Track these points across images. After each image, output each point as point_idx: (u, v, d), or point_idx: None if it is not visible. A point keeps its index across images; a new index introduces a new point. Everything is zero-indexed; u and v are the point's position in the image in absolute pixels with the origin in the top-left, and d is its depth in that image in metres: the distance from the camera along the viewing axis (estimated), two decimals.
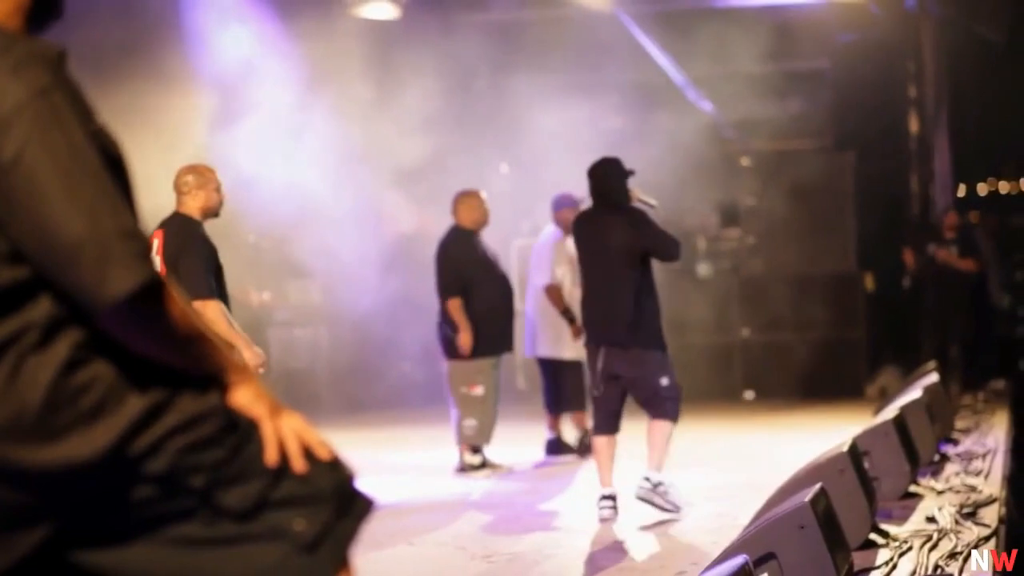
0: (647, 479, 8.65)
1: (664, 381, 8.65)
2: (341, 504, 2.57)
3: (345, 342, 16.73)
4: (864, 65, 18.53)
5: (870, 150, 18.68)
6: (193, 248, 7.99)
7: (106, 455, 2.39)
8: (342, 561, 2.57)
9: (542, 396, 12.04)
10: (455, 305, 11.04)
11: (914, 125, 18.81)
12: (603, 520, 8.70)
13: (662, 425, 8.69)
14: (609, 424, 8.83)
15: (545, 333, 11.87)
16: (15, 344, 2.40)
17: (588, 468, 11.31)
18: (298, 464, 2.55)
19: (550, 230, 11.99)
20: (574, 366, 11.69)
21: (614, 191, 8.76)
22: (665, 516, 8.56)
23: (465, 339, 10.97)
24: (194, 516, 2.48)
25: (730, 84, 18.49)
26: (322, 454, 2.59)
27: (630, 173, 8.76)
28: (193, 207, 8.40)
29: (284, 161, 14.25)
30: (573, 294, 11.40)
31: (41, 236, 2.35)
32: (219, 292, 8.37)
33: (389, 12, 15.99)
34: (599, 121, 17.04)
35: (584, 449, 11.64)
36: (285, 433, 2.57)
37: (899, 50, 18.65)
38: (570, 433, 12.09)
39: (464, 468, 11.10)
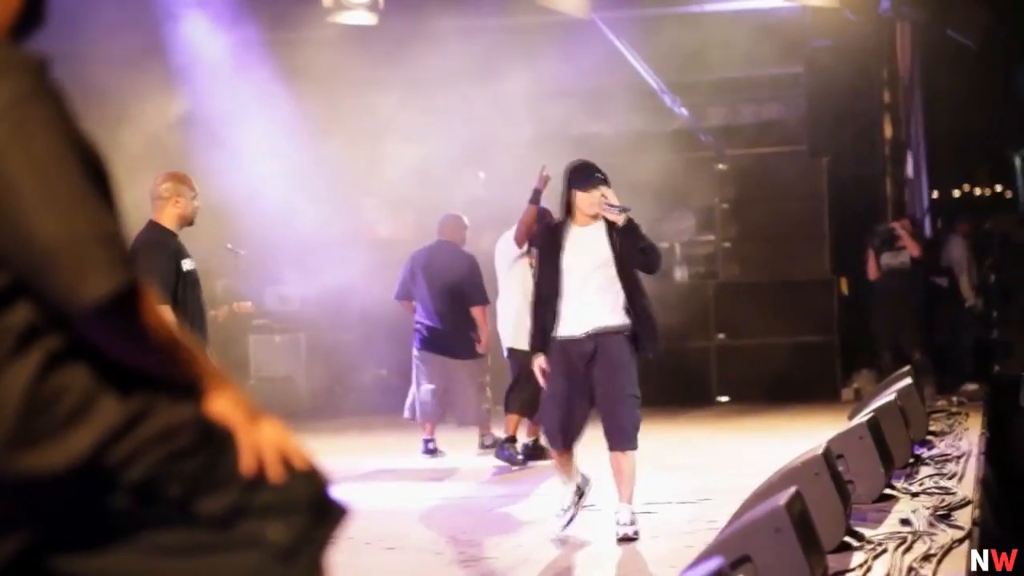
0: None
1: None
2: (317, 513, 2.57)
3: (323, 348, 16.73)
4: (839, 70, 18.60)
5: (844, 155, 18.76)
6: (153, 256, 8.00)
7: (82, 463, 2.39)
8: (318, 570, 2.57)
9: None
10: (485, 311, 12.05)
11: (888, 130, 18.88)
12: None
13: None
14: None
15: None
16: None
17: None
18: (275, 473, 2.54)
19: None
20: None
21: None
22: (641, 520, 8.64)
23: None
24: (171, 524, 2.48)
25: (706, 89, 18.54)
26: (299, 463, 2.59)
27: (581, 179, 8.17)
28: (169, 215, 8.38)
29: (262, 169, 14.26)
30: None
31: (18, 240, 2.35)
32: (193, 302, 8.40)
33: (367, 19, 16.02)
34: (576, 127, 17.07)
35: (531, 456, 11.61)
36: (262, 442, 2.56)
37: (873, 55, 18.73)
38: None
39: (494, 443, 11.69)
